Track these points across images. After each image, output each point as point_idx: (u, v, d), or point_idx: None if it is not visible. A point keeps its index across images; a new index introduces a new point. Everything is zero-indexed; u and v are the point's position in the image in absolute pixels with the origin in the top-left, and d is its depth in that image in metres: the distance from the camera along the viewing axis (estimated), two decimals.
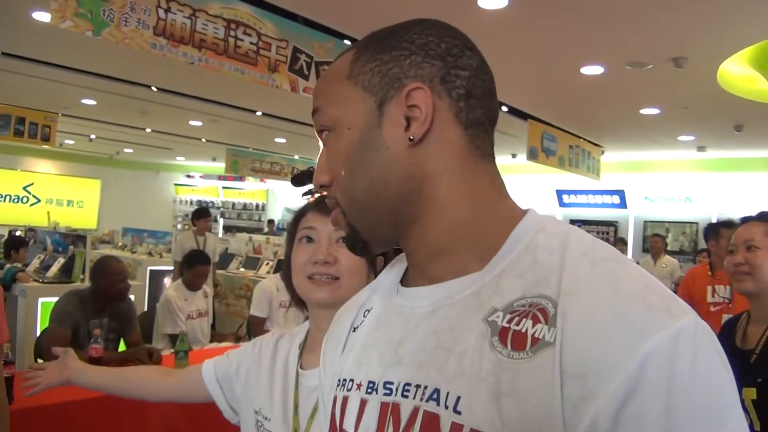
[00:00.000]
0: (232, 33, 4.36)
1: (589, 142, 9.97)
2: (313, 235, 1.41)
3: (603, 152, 10.71)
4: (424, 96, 0.73)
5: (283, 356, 1.52)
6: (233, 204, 19.00)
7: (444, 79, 0.74)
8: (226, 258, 9.15)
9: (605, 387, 0.58)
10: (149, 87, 7.98)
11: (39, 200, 15.27)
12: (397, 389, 0.73)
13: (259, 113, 9.37)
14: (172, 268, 8.29)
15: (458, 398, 0.65)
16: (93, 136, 13.37)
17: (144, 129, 11.90)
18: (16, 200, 14.96)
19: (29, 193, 15.26)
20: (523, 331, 0.64)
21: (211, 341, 5.26)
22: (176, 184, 19.09)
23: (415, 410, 0.69)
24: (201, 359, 4.07)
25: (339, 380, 0.84)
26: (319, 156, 0.81)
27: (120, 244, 10.80)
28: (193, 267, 5.00)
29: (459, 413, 0.65)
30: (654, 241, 8.45)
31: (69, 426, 3.04)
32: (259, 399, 1.52)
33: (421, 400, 0.69)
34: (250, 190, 18.84)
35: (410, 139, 0.73)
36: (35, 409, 2.96)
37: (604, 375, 0.59)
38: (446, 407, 0.66)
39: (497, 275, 0.71)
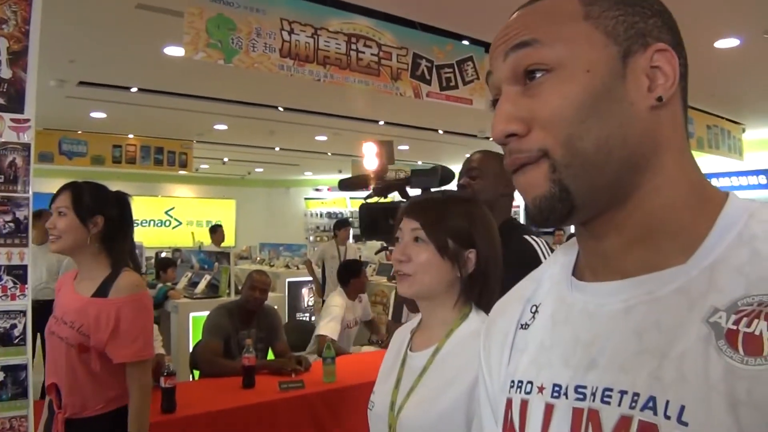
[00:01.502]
0: (353, 46, 4.46)
1: (728, 120, 9.39)
2: (399, 235, 1.55)
3: (744, 130, 10.06)
4: (671, 59, 0.68)
5: (399, 341, 1.68)
6: None
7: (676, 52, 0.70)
8: None
9: None
10: (276, 107, 8.25)
11: (180, 222, 16.20)
12: (593, 394, 0.67)
13: (381, 123, 9.50)
14: (310, 279, 8.63)
15: (682, 407, 0.59)
16: (226, 159, 13.86)
17: (273, 148, 12.29)
18: (159, 224, 15.91)
19: (171, 216, 16.20)
20: (757, 333, 0.57)
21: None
22: (306, 198, 19.68)
23: (624, 419, 0.63)
24: (347, 365, 4.17)
25: (513, 381, 0.79)
26: (504, 100, 0.70)
27: (258, 258, 11.25)
28: (351, 281, 5.14)
29: (685, 424, 0.58)
30: None
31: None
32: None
33: (631, 408, 0.62)
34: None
35: (658, 99, 0.67)
36: (195, 416, 3.15)
37: None
38: (667, 417, 0.59)
39: (707, 269, 0.64)
